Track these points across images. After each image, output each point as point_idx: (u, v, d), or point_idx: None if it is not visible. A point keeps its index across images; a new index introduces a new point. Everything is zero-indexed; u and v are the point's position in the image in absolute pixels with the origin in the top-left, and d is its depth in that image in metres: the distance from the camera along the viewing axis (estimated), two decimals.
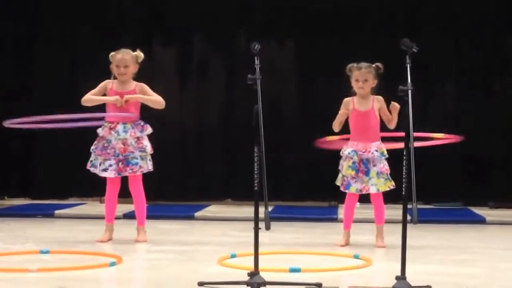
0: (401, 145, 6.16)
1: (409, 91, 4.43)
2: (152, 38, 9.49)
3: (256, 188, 4.45)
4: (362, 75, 6.40)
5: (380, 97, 6.46)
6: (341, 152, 6.51)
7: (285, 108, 9.45)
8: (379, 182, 6.39)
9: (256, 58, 4.57)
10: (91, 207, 8.95)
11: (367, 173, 6.40)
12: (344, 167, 6.45)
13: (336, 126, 6.46)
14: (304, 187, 9.41)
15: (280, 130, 9.24)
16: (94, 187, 9.21)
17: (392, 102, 6.28)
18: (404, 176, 4.50)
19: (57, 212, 8.39)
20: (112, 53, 6.58)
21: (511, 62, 9.29)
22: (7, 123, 6.13)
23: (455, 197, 9.34)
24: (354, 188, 6.43)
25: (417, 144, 6.44)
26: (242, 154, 8.62)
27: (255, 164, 4.44)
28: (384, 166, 6.41)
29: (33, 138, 9.37)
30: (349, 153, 6.41)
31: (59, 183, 9.56)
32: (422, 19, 9.35)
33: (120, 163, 6.48)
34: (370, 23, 9.33)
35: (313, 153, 9.30)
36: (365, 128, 6.39)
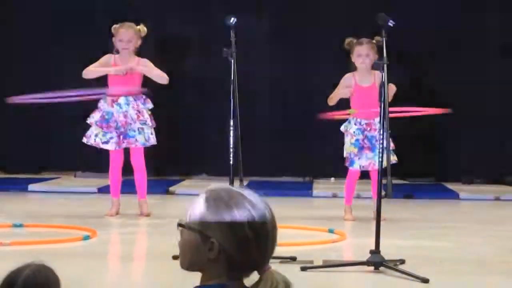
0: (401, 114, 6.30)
1: (385, 65, 4.43)
2: (126, 15, 9.37)
3: (231, 162, 4.45)
4: (364, 50, 6.37)
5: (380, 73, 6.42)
6: (343, 128, 6.50)
7: (260, 83, 9.41)
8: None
9: (232, 31, 4.55)
10: (65, 181, 8.90)
11: (373, 149, 6.38)
12: (347, 143, 6.47)
13: (333, 101, 6.40)
14: (279, 162, 9.40)
15: (255, 104, 9.21)
16: (68, 162, 9.19)
17: (390, 84, 6.26)
18: (379, 151, 4.50)
19: (30, 186, 8.34)
20: (115, 26, 6.49)
21: (489, 39, 9.30)
22: (13, 99, 6.00)
23: (429, 172, 9.38)
24: (358, 164, 6.45)
25: (403, 114, 6.50)
26: (218, 129, 8.60)
27: (231, 138, 4.44)
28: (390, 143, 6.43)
29: (6, 112, 9.27)
30: (354, 132, 6.41)
31: (32, 157, 9.48)
32: None
33: (121, 136, 6.41)
34: None
35: (289, 128, 9.35)
36: (368, 104, 6.27)
